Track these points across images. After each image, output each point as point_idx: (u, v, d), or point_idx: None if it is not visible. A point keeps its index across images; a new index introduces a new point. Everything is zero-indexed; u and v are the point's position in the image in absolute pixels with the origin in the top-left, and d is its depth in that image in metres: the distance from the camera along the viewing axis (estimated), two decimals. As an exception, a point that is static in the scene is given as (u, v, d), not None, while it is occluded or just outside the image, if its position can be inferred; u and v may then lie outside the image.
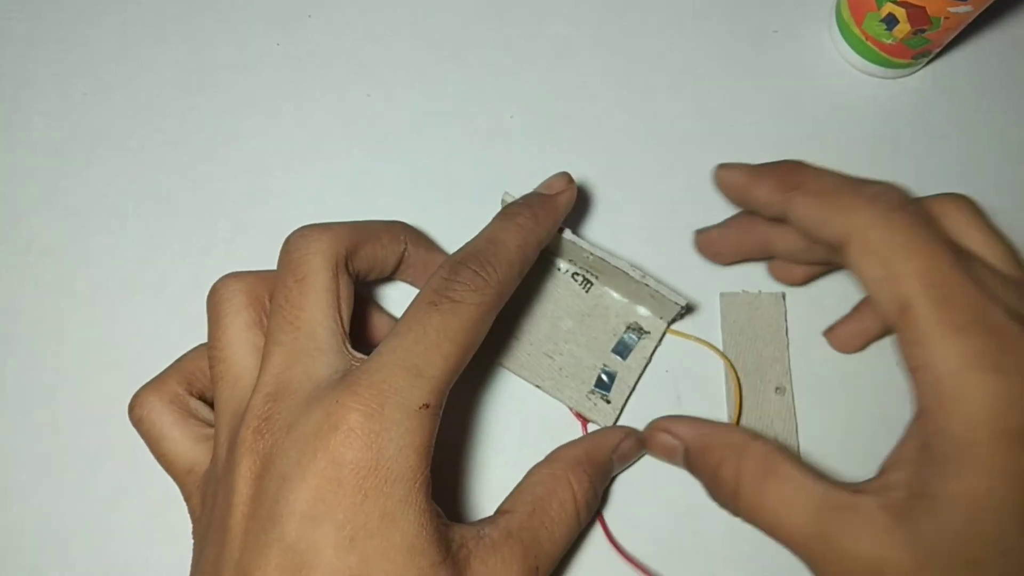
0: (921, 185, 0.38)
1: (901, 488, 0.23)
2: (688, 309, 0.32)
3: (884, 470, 0.24)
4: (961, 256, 0.24)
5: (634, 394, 0.34)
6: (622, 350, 0.34)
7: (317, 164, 0.37)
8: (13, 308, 0.34)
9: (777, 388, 0.34)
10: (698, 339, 0.34)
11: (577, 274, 0.34)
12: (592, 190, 0.37)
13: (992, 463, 0.21)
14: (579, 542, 0.32)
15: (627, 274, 0.31)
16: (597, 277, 0.34)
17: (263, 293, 0.27)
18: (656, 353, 0.34)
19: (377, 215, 0.35)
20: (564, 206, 0.30)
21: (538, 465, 0.29)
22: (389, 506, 0.22)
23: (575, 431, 0.33)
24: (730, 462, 0.26)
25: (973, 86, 0.40)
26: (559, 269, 0.34)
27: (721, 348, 0.34)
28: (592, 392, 0.33)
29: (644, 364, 0.34)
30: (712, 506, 0.28)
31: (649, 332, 0.34)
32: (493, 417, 0.34)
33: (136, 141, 0.37)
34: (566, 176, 0.31)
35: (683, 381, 0.34)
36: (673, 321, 0.34)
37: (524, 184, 0.36)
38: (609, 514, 0.32)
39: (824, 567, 0.24)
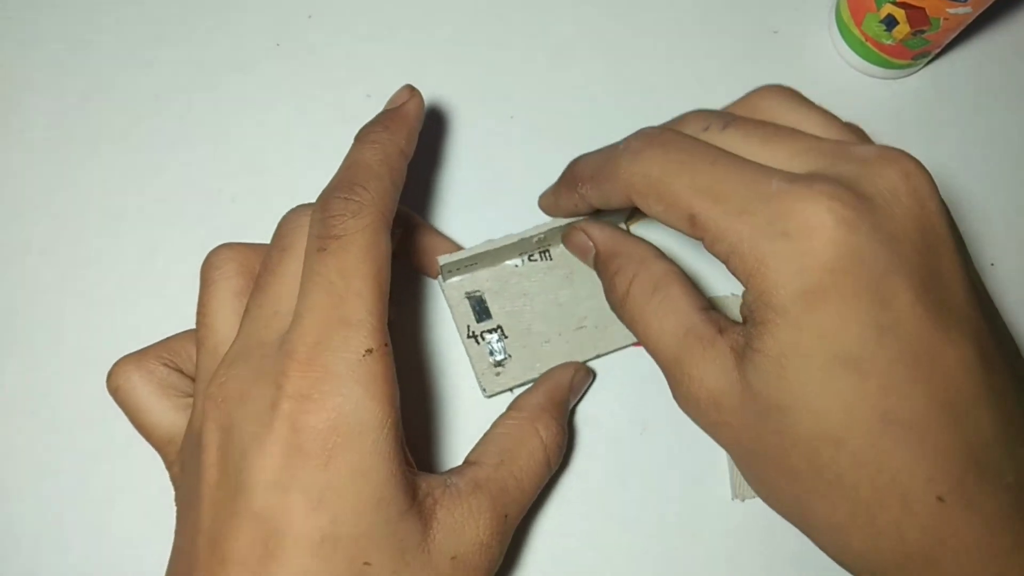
0: (921, 186, 0.38)
1: (741, 337, 0.24)
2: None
3: (735, 322, 0.26)
4: (722, 151, 0.25)
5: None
6: None
7: (317, 165, 0.36)
8: (13, 308, 0.34)
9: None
10: None
11: (532, 256, 0.34)
12: (592, 190, 0.37)
13: (796, 321, 0.22)
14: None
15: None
16: (551, 244, 0.34)
17: (255, 264, 0.28)
18: None
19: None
20: (414, 113, 0.30)
21: (503, 416, 0.30)
22: (356, 460, 0.23)
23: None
24: (627, 271, 0.28)
25: (973, 87, 0.40)
26: (517, 266, 0.34)
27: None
28: None
29: None
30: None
31: None
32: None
33: (136, 141, 0.37)
34: (407, 87, 0.31)
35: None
36: (630, 218, 0.35)
37: (524, 184, 0.36)
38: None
39: (677, 388, 0.26)
